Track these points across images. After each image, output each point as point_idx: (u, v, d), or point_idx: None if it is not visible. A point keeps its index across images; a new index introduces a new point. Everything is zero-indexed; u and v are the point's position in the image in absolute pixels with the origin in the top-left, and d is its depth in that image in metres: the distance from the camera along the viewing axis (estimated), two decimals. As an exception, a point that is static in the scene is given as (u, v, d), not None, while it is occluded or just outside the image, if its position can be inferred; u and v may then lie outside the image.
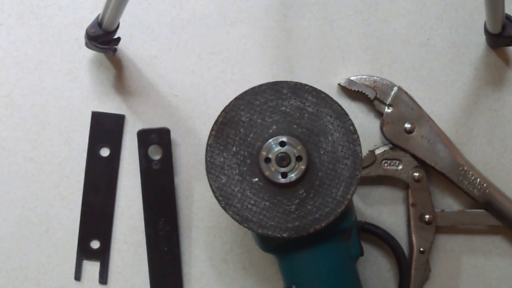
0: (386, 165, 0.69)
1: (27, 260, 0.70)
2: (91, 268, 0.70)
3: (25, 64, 0.71)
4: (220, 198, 0.59)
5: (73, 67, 0.71)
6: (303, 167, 0.59)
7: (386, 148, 0.69)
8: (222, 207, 0.59)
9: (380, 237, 0.68)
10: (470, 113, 0.71)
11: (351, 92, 0.70)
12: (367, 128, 0.70)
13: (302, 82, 0.60)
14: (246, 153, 0.59)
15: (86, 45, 0.68)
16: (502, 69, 0.71)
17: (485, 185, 0.68)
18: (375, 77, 0.69)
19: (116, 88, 0.71)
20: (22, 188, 0.70)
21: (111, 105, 0.71)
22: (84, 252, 0.70)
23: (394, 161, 0.69)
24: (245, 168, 0.59)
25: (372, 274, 0.70)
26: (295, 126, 0.59)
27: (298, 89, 0.60)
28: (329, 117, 0.60)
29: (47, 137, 0.71)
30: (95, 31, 0.65)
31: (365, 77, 0.70)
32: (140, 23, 0.71)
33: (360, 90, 0.70)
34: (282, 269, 0.64)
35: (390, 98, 0.69)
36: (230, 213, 0.59)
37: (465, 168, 0.68)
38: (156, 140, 0.69)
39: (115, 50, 0.70)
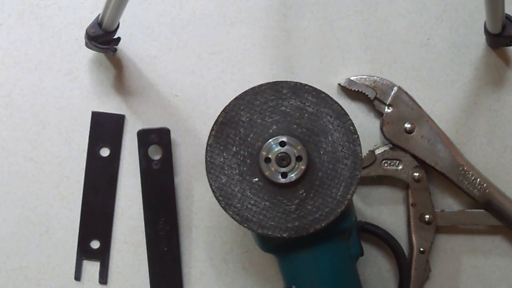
0: (386, 165, 0.69)
1: (27, 260, 0.70)
2: (91, 268, 0.70)
3: (25, 64, 0.71)
4: (220, 198, 0.59)
5: (73, 67, 0.71)
6: (303, 167, 0.59)
7: (386, 148, 0.69)
8: (222, 207, 0.59)
9: (380, 237, 0.68)
10: (470, 113, 0.71)
11: (351, 92, 0.70)
12: (367, 128, 0.70)
13: (302, 82, 0.60)
14: (246, 153, 0.59)
15: (86, 45, 0.68)
16: (502, 69, 0.71)
17: (485, 185, 0.68)
18: (375, 77, 0.70)
19: (116, 88, 0.71)
20: (22, 188, 0.70)
21: (111, 105, 0.71)
22: (84, 252, 0.70)
23: (394, 161, 0.69)
24: (245, 168, 0.59)
25: (372, 274, 0.70)
26: (295, 126, 0.59)
27: (298, 89, 0.60)
28: (329, 117, 0.60)
29: (47, 137, 0.71)
30: (95, 31, 0.65)
31: (365, 77, 0.70)
32: (140, 23, 0.71)
33: (360, 90, 0.70)
34: (282, 269, 0.64)
35: (390, 98, 0.69)
36: (230, 213, 0.59)
37: (465, 168, 0.68)
38: (156, 140, 0.69)
39: (115, 50, 0.70)
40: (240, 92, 0.60)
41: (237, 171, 0.59)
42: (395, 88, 0.69)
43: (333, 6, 0.71)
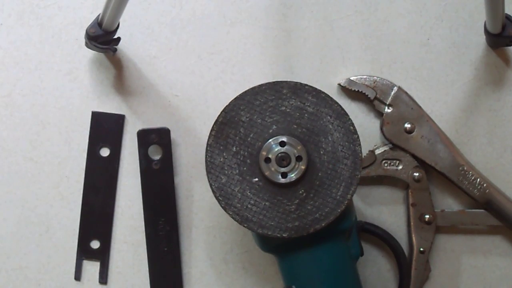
0: (386, 165, 0.69)
1: (27, 260, 0.70)
2: (91, 268, 0.70)
3: (25, 64, 0.71)
4: (220, 198, 0.59)
5: (73, 67, 0.71)
6: (303, 167, 0.59)
7: (386, 148, 0.69)
8: (222, 207, 0.59)
9: (380, 237, 0.68)
10: (470, 113, 0.71)
11: (351, 92, 0.70)
12: (367, 128, 0.70)
13: (302, 82, 0.60)
14: (246, 153, 0.59)
15: (86, 45, 0.68)
16: (502, 69, 0.71)
17: (485, 185, 0.68)
18: (375, 77, 0.70)
19: (116, 88, 0.71)
20: (22, 188, 0.70)
21: (111, 105, 0.71)
22: (84, 252, 0.70)
23: (394, 161, 0.69)
24: (245, 168, 0.59)
25: (372, 274, 0.70)
26: (295, 126, 0.59)
27: (298, 89, 0.60)
28: (329, 117, 0.60)
29: (47, 137, 0.71)
30: (95, 31, 0.65)
31: (365, 77, 0.70)
32: (140, 23, 0.71)
33: (360, 90, 0.70)
34: (282, 269, 0.64)
35: (390, 98, 0.69)
36: (230, 213, 0.59)
37: (465, 168, 0.68)
38: (156, 140, 0.69)
39: (115, 50, 0.70)
40: (240, 92, 0.60)
41: (237, 171, 0.59)
42: (395, 88, 0.69)
43: (333, 6, 0.71)
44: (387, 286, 0.70)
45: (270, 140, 0.59)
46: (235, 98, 0.60)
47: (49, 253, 0.70)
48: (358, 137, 0.59)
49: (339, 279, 0.62)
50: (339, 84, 0.70)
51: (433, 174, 0.69)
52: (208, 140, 0.60)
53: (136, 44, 0.71)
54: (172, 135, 0.70)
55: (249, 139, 0.60)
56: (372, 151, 0.69)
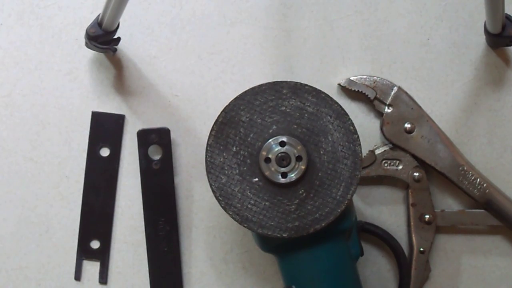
0: (386, 165, 0.69)
1: (27, 260, 0.70)
2: (91, 268, 0.70)
3: (25, 64, 0.71)
4: (220, 198, 0.59)
5: (73, 67, 0.71)
6: (303, 167, 0.59)
7: (386, 148, 0.69)
8: (222, 207, 0.59)
9: (380, 237, 0.68)
10: (470, 113, 0.71)
11: (351, 92, 0.70)
12: (367, 128, 0.70)
13: (302, 82, 0.60)
14: (246, 153, 0.59)
15: (86, 45, 0.68)
16: (502, 69, 0.71)
17: (485, 185, 0.68)
18: (375, 77, 0.70)
19: (116, 88, 0.71)
20: (22, 188, 0.70)
21: (111, 105, 0.71)
22: (84, 252, 0.70)
23: (394, 161, 0.69)
24: (245, 168, 0.59)
25: (372, 274, 0.70)
26: (295, 126, 0.59)
27: (298, 89, 0.60)
28: (329, 117, 0.60)
29: (47, 137, 0.71)
30: (95, 31, 0.65)
31: (365, 77, 0.70)
32: (140, 23, 0.71)
33: (360, 90, 0.70)
34: (282, 269, 0.64)
35: (390, 98, 0.69)
36: (230, 213, 0.59)
37: (465, 168, 0.68)
38: (156, 140, 0.69)
39: (115, 50, 0.70)
40: (240, 92, 0.60)
41: (237, 171, 0.59)
42: (395, 88, 0.69)
43: (333, 6, 0.71)
44: (387, 286, 0.70)
45: (270, 140, 0.59)
46: (235, 98, 0.60)
47: (49, 253, 0.70)
48: (358, 137, 0.59)
49: (339, 279, 0.62)
50: (339, 84, 0.70)
51: (433, 174, 0.69)
52: (208, 140, 0.60)
53: (136, 44, 0.71)
54: (172, 135, 0.70)
55: (249, 139, 0.60)
56: (372, 151, 0.69)
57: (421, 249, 0.68)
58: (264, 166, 0.59)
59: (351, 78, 0.70)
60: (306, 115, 0.60)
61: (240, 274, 0.70)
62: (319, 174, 0.59)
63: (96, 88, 0.71)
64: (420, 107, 0.69)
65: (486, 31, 0.68)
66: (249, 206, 0.59)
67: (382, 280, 0.70)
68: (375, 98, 0.69)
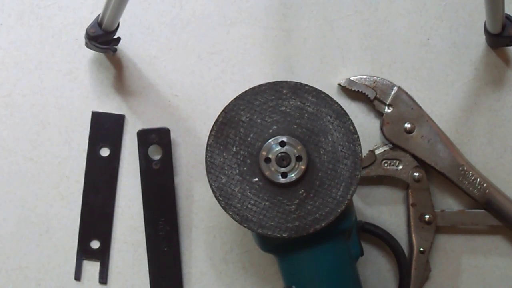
0: (386, 165, 0.69)
1: (27, 260, 0.70)
2: (91, 268, 0.70)
3: (25, 64, 0.71)
4: (220, 198, 0.59)
5: (73, 67, 0.71)
6: (303, 167, 0.59)
7: (386, 148, 0.69)
8: (222, 207, 0.59)
9: (380, 237, 0.68)
10: (470, 113, 0.71)
11: (351, 92, 0.70)
12: (367, 128, 0.70)
13: (302, 82, 0.60)
14: (246, 153, 0.59)
15: (86, 45, 0.68)
16: (502, 69, 0.71)
17: (485, 185, 0.68)
18: (375, 77, 0.70)
19: (116, 88, 0.71)
20: (22, 188, 0.70)
21: (111, 105, 0.71)
22: (84, 252, 0.70)
23: (394, 161, 0.69)
24: (245, 168, 0.59)
25: (372, 274, 0.70)
26: (295, 126, 0.59)
27: (298, 89, 0.60)
28: (329, 117, 0.60)
29: (47, 137, 0.71)
30: (95, 31, 0.65)
31: (365, 77, 0.70)
32: (140, 23, 0.71)
33: (360, 90, 0.70)
34: (282, 269, 0.64)
35: (390, 98, 0.69)
36: (230, 213, 0.59)
37: (465, 168, 0.68)
38: (156, 140, 0.69)
39: (115, 50, 0.70)
40: (240, 92, 0.60)
41: (237, 171, 0.59)
42: (395, 88, 0.69)
43: (333, 6, 0.71)
44: (387, 286, 0.70)
45: (270, 140, 0.59)
46: (235, 98, 0.60)
47: (49, 253, 0.70)
48: (358, 137, 0.59)
49: (339, 279, 0.62)
50: (339, 84, 0.70)
51: (433, 174, 0.69)
52: (208, 140, 0.60)
53: (136, 44, 0.71)
54: (172, 135, 0.70)
55: (249, 139, 0.60)
56: (372, 151, 0.69)
57: (421, 249, 0.68)
58: (264, 166, 0.59)
59: (351, 78, 0.70)
60: (306, 115, 0.60)
61: (240, 274, 0.70)
62: (319, 174, 0.59)
63: (96, 88, 0.71)
64: (420, 107, 0.69)
65: (486, 31, 0.68)
66: (249, 206, 0.59)
67: (382, 280, 0.70)
68: (375, 98, 0.69)
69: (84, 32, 0.66)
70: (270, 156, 0.59)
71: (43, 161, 0.71)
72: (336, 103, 0.60)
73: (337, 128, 0.59)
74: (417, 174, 0.68)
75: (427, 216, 0.68)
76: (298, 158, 0.59)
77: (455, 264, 0.70)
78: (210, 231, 0.70)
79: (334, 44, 0.71)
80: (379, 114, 0.70)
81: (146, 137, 0.69)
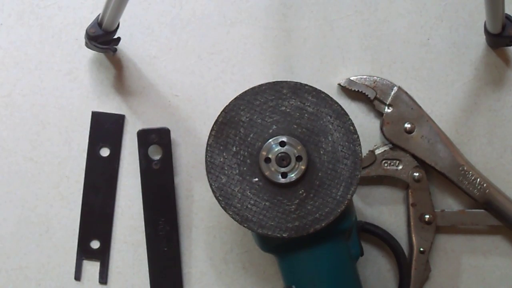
0: (386, 165, 0.69)
1: (27, 260, 0.70)
2: (91, 268, 0.70)
3: (25, 64, 0.71)
4: (220, 198, 0.59)
5: (73, 67, 0.71)
6: (303, 167, 0.59)
7: (386, 148, 0.69)
8: (222, 207, 0.59)
9: (380, 237, 0.68)
10: (470, 113, 0.71)
11: (351, 92, 0.70)
12: (367, 128, 0.70)
13: (302, 82, 0.60)
14: (246, 153, 0.59)
15: (86, 45, 0.68)
16: (502, 69, 0.71)
17: (485, 185, 0.68)
18: (375, 77, 0.70)
19: (116, 88, 0.71)
20: (22, 188, 0.70)
21: (111, 105, 0.71)
22: (84, 252, 0.70)
23: (394, 161, 0.69)
24: (245, 168, 0.59)
25: (372, 274, 0.70)
26: (295, 126, 0.59)
27: (298, 89, 0.60)
28: (329, 117, 0.60)
29: (47, 137, 0.71)
30: (95, 31, 0.65)
31: (365, 77, 0.70)
32: (140, 23, 0.71)
33: (360, 90, 0.70)
34: (282, 269, 0.64)
35: (390, 98, 0.69)
36: (230, 213, 0.59)
37: (465, 168, 0.68)
38: (156, 140, 0.69)
39: (115, 50, 0.70)
40: (240, 92, 0.60)
41: (237, 171, 0.59)
42: (395, 88, 0.69)
43: (333, 6, 0.71)
44: (387, 286, 0.70)
45: (270, 140, 0.59)
46: (235, 98, 0.60)
47: (49, 253, 0.70)
48: (358, 137, 0.59)
49: (339, 279, 0.62)
50: (339, 84, 0.70)
51: (433, 174, 0.69)
52: (208, 140, 0.60)
53: (136, 44, 0.71)
54: (172, 135, 0.70)
55: (249, 139, 0.60)
56: (372, 151, 0.69)
57: (421, 249, 0.68)
58: (264, 166, 0.59)
59: (351, 78, 0.70)
60: (306, 115, 0.60)
61: (240, 274, 0.70)
62: (319, 174, 0.59)
63: (96, 88, 0.71)
64: (420, 107, 0.69)
65: (486, 31, 0.68)
66: (249, 206, 0.59)
67: (382, 280, 0.70)
68: (375, 98, 0.69)
69: (84, 32, 0.66)
70: (270, 156, 0.59)
71: (43, 161, 0.71)
72: (336, 103, 0.60)
73: (337, 128, 0.59)
74: (417, 174, 0.68)
75: (427, 216, 0.68)
76: (298, 158, 0.59)
77: (455, 264, 0.70)
78: (210, 231, 0.70)
79: (334, 44, 0.71)
80: (379, 114, 0.70)
81: (146, 137, 0.69)
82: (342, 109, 0.60)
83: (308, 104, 0.60)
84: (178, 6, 0.72)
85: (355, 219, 0.64)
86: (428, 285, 0.70)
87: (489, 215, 0.68)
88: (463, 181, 0.68)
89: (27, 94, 0.71)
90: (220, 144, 0.60)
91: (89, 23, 0.66)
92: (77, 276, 0.70)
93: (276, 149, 0.59)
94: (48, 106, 0.71)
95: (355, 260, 0.64)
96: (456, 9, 0.72)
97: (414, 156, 0.68)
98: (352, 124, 0.59)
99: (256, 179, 0.59)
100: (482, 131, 0.71)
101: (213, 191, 0.59)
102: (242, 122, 0.60)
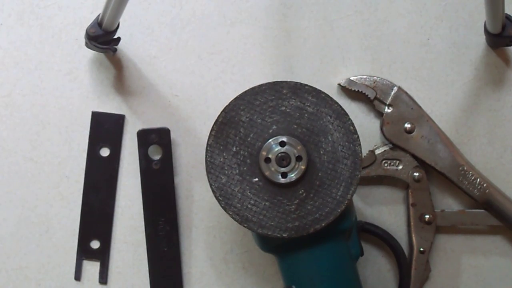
0: (386, 165, 0.69)
1: (27, 260, 0.70)
2: (91, 268, 0.70)
3: (25, 64, 0.71)
4: (220, 198, 0.59)
5: (73, 67, 0.71)
6: (303, 167, 0.59)
7: (386, 148, 0.69)
8: (222, 207, 0.59)
9: (380, 237, 0.68)
10: (470, 113, 0.71)
11: (351, 92, 0.70)
12: (367, 128, 0.70)
13: (302, 82, 0.60)
14: (246, 153, 0.59)
15: (86, 45, 0.68)
16: (502, 69, 0.71)
17: (485, 185, 0.68)
18: (375, 77, 0.70)
19: (116, 88, 0.71)
20: (22, 188, 0.70)
21: (111, 105, 0.71)
22: (84, 252, 0.70)
23: (394, 161, 0.69)
24: (245, 168, 0.59)
25: (372, 274, 0.70)
26: (295, 126, 0.59)
27: (298, 89, 0.60)
28: (329, 117, 0.60)
29: (47, 137, 0.71)
30: (95, 31, 0.65)
31: (365, 77, 0.70)
32: (140, 23, 0.71)
33: (360, 90, 0.70)
34: (282, 269, 0.64)
35: (390, 98, 0.69)
36: (230, 213, 0.59)
37: (465, 168, 0.68)
38: (156, 140, 0.69)
39: (115, 50, 0.70)
40: (240, 92, 0.60)
41: (237, 171, 0.59)
42: (395, 88, 0.69)
43: (333, 6, 0.71)
44: (387, 286, 0.70)
45: (270, 140, 0.59)
46: (235, 98, 0.60)
47: (49, 253, 0.70)
48: (358, 137, 0.59)
49: (339, 279, 0.62)
50: (339, 84, 0.70)
51: (433, 174, 0.69)
52: (208, 140, 0.60)
53: (136, 44, 0.71)
54: (172, 135, 0.70)
55: (249, 139, 0.60)
56: (372, 151, 0.69)
57: (421, 249, 0.68)
58: (264, 166, 0.59)
59: (351, 78, 0.70)
60: (306, 115, 0.60)
61: (240, 274, 0.70)
62: (319, 174, 0.59)
63: (96, 88, 0.71)
64: (420, 107, 0.69)
65: (486, 31, 0.68)
66: (249, 206, 0.59)
67: (382, 280, 0.70)
68: (375, 98, 0.69)
69: (84, 32, 0.66)
70: (270, 156, 0.59)
71: (43, 161, 0.71)
72: (336, 103, 0.60)
73: (337, 128, 0.59)
74: (417, 174, 0.68)
75: (427, 216, 0.68)
76: (298, 158, 0.59)
77: (455, 264, 0.70)
78: (210, 231, 0.70)
79: (334, 44, 0.71)
80: (379, 114, 0.70)
81: (146, 137, 0.69)
82: (342, 109, 0.60)
83: (308, 104, 0.60)
84: (178, 6, 0.72)
85: (355, 219, 0.64)
86: (428, 285, 0.70)
87: (489, 215, 0.68)
88: (463, 181, 0.68)
89: (27, 94, 0.71)
90: (220, 144, 0.60)
91: (89, 23, 0.66)
92: (77, 276, 0.70)
93: (276, 149, 0.59)
94: (48, 106, 0.71)
95: (355, 260, 0.64)
96: (456, 9, 0.72)
97: (414, 156, 0.68)
98: (352, 124, 0.59)
99: (256, 179, 0.59)
100: (482, 131, 0.71)
101: (213, 191, 0.59)
102: (242, 122, 0.60)
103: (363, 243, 0.67)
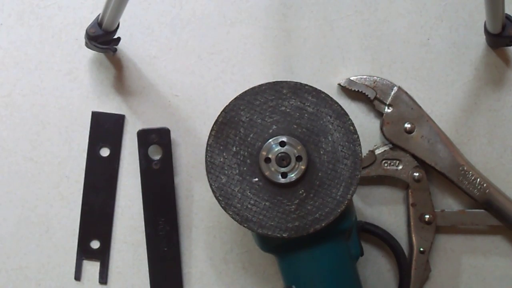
0: (386, 165, 0.69)
1: (27, 260, 0.70)
2: (91, 268, 0.70)
3: (25, 64, 0.71)
4: (220, 198, 0.59)
5: (73, 67, 0.71)
6: (303, 167, 0.59)
7: (386, 148, 0.69)
8: (222, 207, 0.59)
9: (380, 237, 0.68)
10: (470, 113, 0.71)
11: (351, 92, 0.70)
12: (367, 128, 0.70)
13: (302, 82, 0.60)
14: (246, 153, 0.59)
15: (86, 45, 0.68)
16: (502, 69, 0.71)
17: (485, 185, 0.68)
18: (375, 77, 0.70)
19: (116, 88, 0.71)
20: (22, 188, 0.70)
21: (111, 105, 0.71)
22: (84, 252, 0.70)
23: (394, 161, 0.69)
24: (245, 168, 0.59)
25: (372, 274, 0.70)
26: (295, 126, 0.59)
27: (298, 89, 0.60)
28: (329, 117, 0.60)
29: (47, 137, 0.71)
30: (95, 31, 0.65)
31: (365, 77, 0.70)
32: (140, 23, 0.71)
33: (360, 90, 0.70)
34: (282, 269, 0.64)
35: (390, 98, 0.69)
36: (230, 213, 0.59)
37: (465, 168, 0.68)
38: (156, 140, 0.69)
39: (115, 50, 0.70)
40: (240, 92, 0.60)
41: (237, 171, 0.59)
42: (395, 88, 0.69)
43: (333, 6, 0.71)
44: (387, 286, 0.70)
45: (270, 140, 0.59)
46: (235, 98, 0.60)
47: (49, 253, 0.70)
48: (358, 137, 0.59)
49: (339, 279, 0.62)
50: (339, 84, 0.70)
51: (433, 174, 0.69)
52: (208, 140, 0.60)
53: (136, 44, 0.71)
54: (172, 135, 0.70)
55: (249, 139, 0.60)
56: (372, 151, 0.69)
57: (421, 249, 0.68)
58: (264, 166, 0.59)
59: (351, 78, 0.70)
60: (306, 115, 0.60)
61: (240, 274, 0.70)
62: (319, 174, 0.59)
63: (96, 88, 0.71)
64: (420, 107, 0.69)
65: (486, 31, 0.68)
66: (249, 206, 0.59)
67: (382, 280, 0.70)
68: (375, 98, 0.69)
69: (84, 32, 0.66)
70: (270, 156, 0.59)
71: (43, 161, 0.71)
72: (336, 103, 0.60)
73: (337, 128, 0.59)
74: (417, 174, 0.68)
75: (427, 216, 0.68)
76: (298, 158, 0.59)
77: (455, 264, 0.70)
78: (210, 231, 0.70)
79: (334, 44, 0.71)
80: (379, 114, 0.70)
81: (146, 137, 0.69)
82: (342, 109, 0.60)
83: (308, 104, 0.60)
84: (178, 6, 0.72)
85: (355, 219, 0.64)
86: (428, 285, 0.70)
87: (489, 215, 0.68)
88: (463, 181, 0.68)
89: (27, 94, 0.71)
90: (220, 144, 0.60)
91: (89, 23, 0.66)
92: (77, 276, 0.70)
93: (276, 149, 0.59)
94: (48, 106, 0.71)
95: (355, 260, 0.64)
96: (456, 9, 0.72)
97: (414, 156, 0.68)
98: (352, 124, 0.59)
99: (256, 179, 0.59)
100: (482, 131, 0.71)
101: (213, 191, 0.59)
102: (242, 122, 0.60)
103: (363, 243, 0.67)
